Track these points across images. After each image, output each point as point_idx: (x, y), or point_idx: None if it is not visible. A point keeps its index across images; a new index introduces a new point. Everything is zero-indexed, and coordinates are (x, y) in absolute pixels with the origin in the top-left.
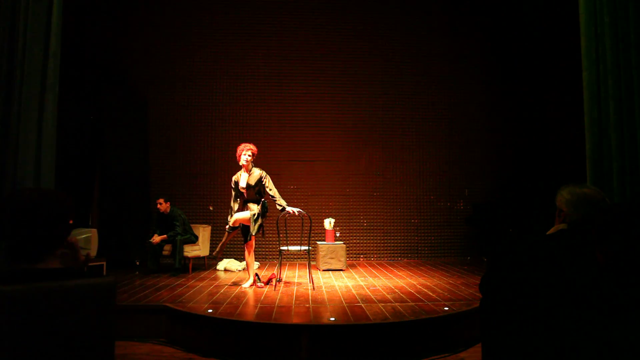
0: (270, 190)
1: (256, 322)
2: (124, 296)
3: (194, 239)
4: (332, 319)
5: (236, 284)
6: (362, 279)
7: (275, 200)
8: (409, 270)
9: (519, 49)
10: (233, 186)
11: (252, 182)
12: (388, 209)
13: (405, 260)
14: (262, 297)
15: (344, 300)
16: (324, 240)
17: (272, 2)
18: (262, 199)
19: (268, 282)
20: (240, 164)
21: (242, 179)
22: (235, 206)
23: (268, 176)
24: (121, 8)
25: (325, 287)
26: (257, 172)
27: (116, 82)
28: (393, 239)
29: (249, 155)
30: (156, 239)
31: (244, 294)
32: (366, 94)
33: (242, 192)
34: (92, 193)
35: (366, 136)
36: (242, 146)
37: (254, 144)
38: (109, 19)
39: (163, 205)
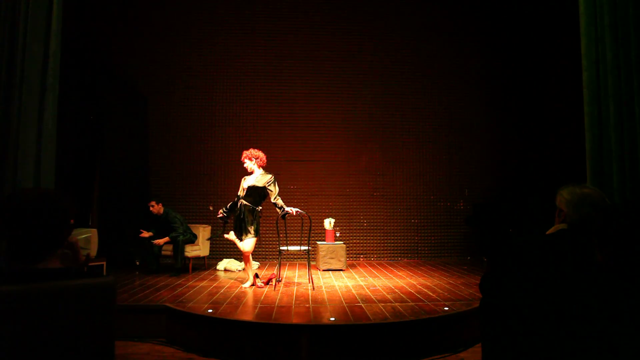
0: (275, 197)
1: (256, 322)
2: (124, 296)
3: (193, 239)
4: (332, 319)
5: (237, 281)
6: (362, 279)
7: (276, 205)
8: (409, 270)
9: (519, 49)
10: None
11: (259, 184)
12: (388, 209)
13: (405, 260)
14: (262, 297)
15: (344, 300)
16: (324, 240)
17: (272, 2)
18: (259, 209)
19: (268, 282)
20: (248, 170)
21: (250, 179)
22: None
23: (276, 183)
24: (121, 8)
25: (325, 287)
26: (267, 177)
27: (116, 81)
28: (393, 239)
29: (246, 163)
30: (160, 241)
31: (244, 294)
32: (366, 94)
33: (243, 190)
34: (92, 193)
35: (366, 136)
36: (242, 155)
37: (257, 145)
38: (108, 18)
39: (155, 208)
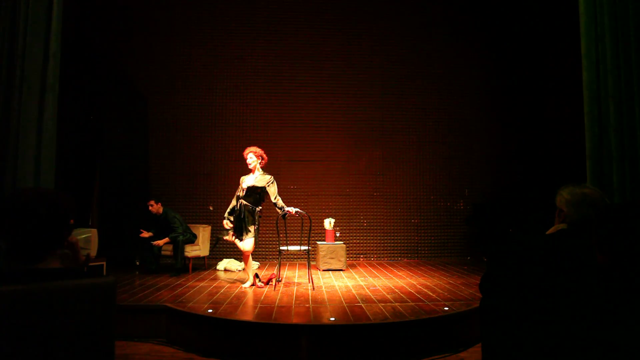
0: (275, 197)
1: (256, 322)
2: (124, 296)
3: (193, 239)
4: (332, 319)
5: (237, 281)
6: (362, 279)
7: (277, 205)
8: (409, 270)
9: (519, 49)
10: (239, 186)
11: (259, 184)
12: (388, 209)
13: (405, 260)
14: (262, 297)
15: (344, 300)
16: (324, 240)
17: (272, 2)
18: (259, 209)
19: (268, 282)
20: (249, 167)
21: (249, 179)
22: (232, 204)
23: (275, 183)
24: (121, 8)
25: (325, 287)
26: (267, 177)
27: (116, 82)
28: (393, 239)
29: (252, 159)
30: (160, 242)
31: (244, 294)
32: (366, 93)
33: (243, 190)
34: (92, 193)
35: (366, 136)
36: (247, 150)
37: (258, 145)
38: (108, 19)
39: (155, 207)
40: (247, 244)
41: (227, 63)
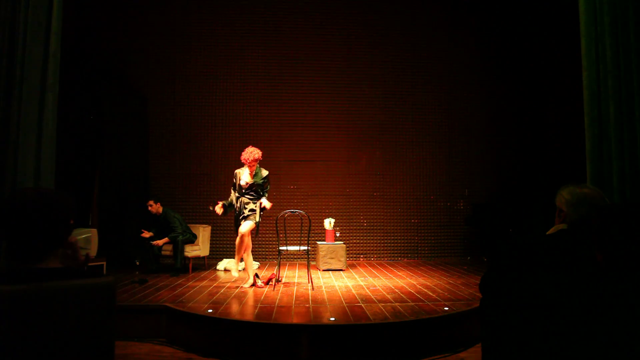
0: (265, 191)
1: (256, 322)
2: (124, 296)
3: (193, 239)
4: (332, 319)
5: (237, 281)
6: (362, 279)
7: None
8: (409, 270)
9: (519, 49)
10: (235, 180)
11: (260, 180)
12: (388, 209)
13: (405, 260)
14: (262, 297)
15: (344, 300)
16: (324, 240)
17: (272, 2)
18: (260, 201)
19: (268, 282)
20: (246, 165)
21: (246, 175)
22: (233, 196)
23: (269, 180)
24: (121, 8)
25: (325, 287)
26: (264, 173)
27: (116, 81)
28: (393, 239)
29: (256, 161)
30: (159, 242)
31: (244, 294)
32: (366, 93)
33: (242, 187)
34: (92, 193)
35: (366, 136)
36: (250, 154)
37: (257, 145)
38: (108, 18)
39: (154, 207)
40: (245, 225)
41: (227, 63)
